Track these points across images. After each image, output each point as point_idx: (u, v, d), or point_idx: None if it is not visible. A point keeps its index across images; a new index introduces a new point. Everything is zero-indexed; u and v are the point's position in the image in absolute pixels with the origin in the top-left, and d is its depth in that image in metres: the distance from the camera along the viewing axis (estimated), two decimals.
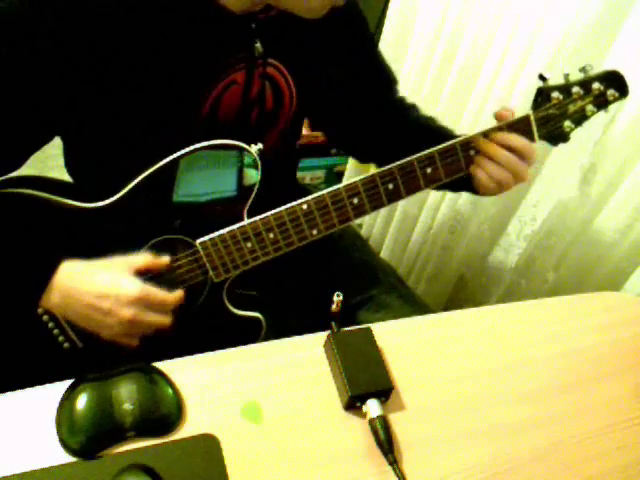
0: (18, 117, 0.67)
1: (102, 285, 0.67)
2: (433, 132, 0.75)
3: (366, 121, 0.91)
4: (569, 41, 1.04)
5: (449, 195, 1.39)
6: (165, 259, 0.74)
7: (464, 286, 1.49)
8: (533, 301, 0.85)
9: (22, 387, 0.61)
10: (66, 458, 0.56)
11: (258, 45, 0.73)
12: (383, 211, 1.69)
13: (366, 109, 0.90)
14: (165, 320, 0.71)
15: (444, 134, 0.85)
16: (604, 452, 0.68)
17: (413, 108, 0.95)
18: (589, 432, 0.70)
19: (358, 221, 1.84)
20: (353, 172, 1.79)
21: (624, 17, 0.95)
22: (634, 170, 0.96)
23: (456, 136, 0.78)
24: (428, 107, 1.44)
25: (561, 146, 1.08)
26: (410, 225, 1.58)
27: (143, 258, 0.72)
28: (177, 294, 0.72)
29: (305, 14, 0.68)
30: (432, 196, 1.46)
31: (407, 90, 1.50)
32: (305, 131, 1.71)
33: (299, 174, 1.57)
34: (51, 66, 0.65)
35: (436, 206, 1.46)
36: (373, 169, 0.79)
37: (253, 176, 0.74)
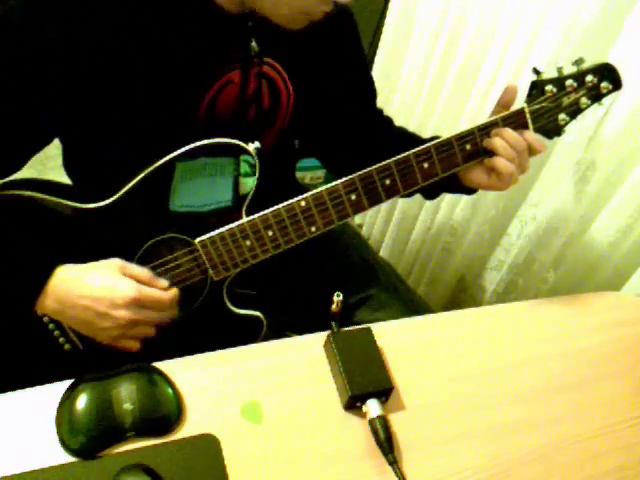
0: (18, 120, 0.67)
1: (97, 288, 0.66)
2: (409, 143, 0.76)
3: (343, 128, 0.92)
4: (569, 41, 1.04)
5: (449, 196, 1.39)
6: (163, 283, 0.73)
7: (464, 287, 1.49)
8: (533, 301, 0.85)
9: (22, 387, 0.61)
10: (66, 458, 0.56)
11: (254, 44, 0.73)
12: (383, 211, 1.69)
13: (346, 115, 0.91)
14: (163, 318, 0.71)
15: (420, 141, 0.86)
16: (604, 452, 0.68)
17: (388, 122, 0.97)
18: (589, 432, 0.70)
19: (358, 221, 1.84)
20: None
21: (625, 16, 0.95)
22: (634, 170, 0.96)
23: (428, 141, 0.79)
24: (428, 107, 1.44)
25: (563, 145, 1.09)
26: (410, 225, 1.58)
27: (140, 271, 0.71)
28: (172, 292, 0.72)
29: (281, 22, 0.68)
30: None
31: (407, 90, 1.51)
32: None
33: (299, 174, 1.57)
34: (49, 69, 0.64)
35: (436, 206, 1.46)
36: None
37: (249, 184, 0.74)
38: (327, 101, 0.87)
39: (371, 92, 0.95)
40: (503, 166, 0.75)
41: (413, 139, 0.87)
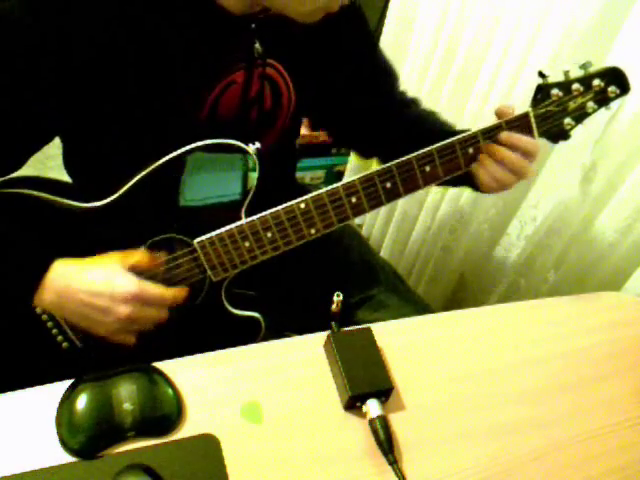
0: (19, 118, 0.67)
1: (97, 283, 0.66)
2: (434, 127, 0.75)
3: (367, 119, 0.91)
4: (569, 41, 1.03)
5: (449, 195, 1.39)
6: (161, 256, 0.73)
7: (464, 286, 1.49)
8: (533, 301, 0.85)
9: (22, 387, 0.61)
10: (66, 458, 0.57)
11: (257, 46, 0.73)
12: (383, 211, 1.69)
13: (367, 107, 0.90)
14: (162, 315, 0.71)
15: (445, 129, 0.85)
16: (604, 452, 0.68)
17: (414, 103, 0.95)
18: (589, 432, 0.70)
19: (358, 221, 1.84)
20: (353, 172, 1.79)
21: (625, 16, 0.95)
22: (635, 170, 0.96)
23: (457, 131, 0.77)
24: (428, 107, 1.44)
25: (562, 146, 1.09)
26: (410, 225, 1.58)
27: (138, 255, 0.71)
28: (176, 290, 0.72)
29: (299, 18, 0.68)
30: (432, 196, 1.46)
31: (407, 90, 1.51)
32: (305, 131, 1.71)
33: (299, 174, 1.57)
34: (51, 68, 0.64)
35: (436, 206, 1.46)
36: (375, 165, 0.79)
37: (253, 178, 0.74)
38: (334, 98, 0.87)
39: (387, 77, 0.92)
40: (486, 179, 0.76)
41: (435, 124, 0.86)
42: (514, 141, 0.74)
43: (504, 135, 0.75)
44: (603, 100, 0.76)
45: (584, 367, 0.77)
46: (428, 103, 1.41)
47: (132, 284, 0.67)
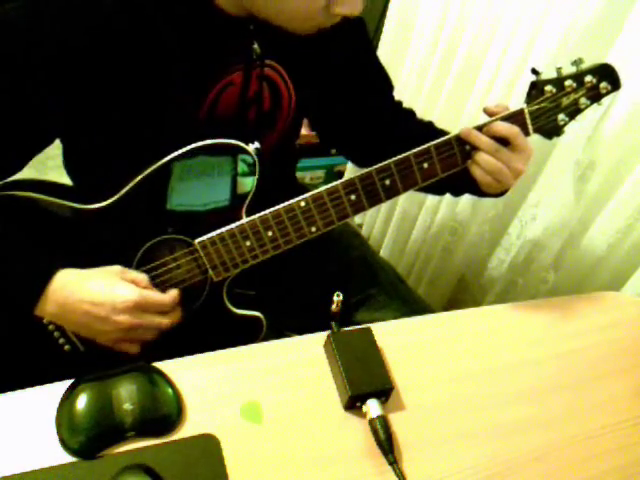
0: (19, 122, 0.67)
1: (97, 292, 0.66)
2: (430, 137, 0.76)
3: (363, 123, 0.91)
4: (569, 41, 1.04)
5: (449, 196, 1.39)
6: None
7: (464, 287, 1.49)
8: (533, 301, 0.85)
9: (22, 387, 0.61)
10: (66, 458, 0.56)
11: (256, 47, 0.73)
12: (383, 211, 1.69)
13: (363, 110, 0.90)
14: (164, 321, 0.71)
15: (440, 136, 0.85)
16: (604, 452, 0.68)
17: (410, 114, 0.96)
18: (589, 432, 0.70)
19: (358, 221, 1.84)
20: (353, 172, 1.79)
21: (625, 16, 0.95)
22: (634, 170, 0.96)
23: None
24: (428, 107, 1.44)
25: (562, 145, 1.09)
26: (410, 225, 1.58)
27: (137, 273, 0.72)
28: (172, 293, 0.72)
29: (296, 32, 0.68)
30: (431, 196, 1.46)
31: (407, 90, 1.51)
32: (305, 131, 1.71)
33: (299, 174, 1.57)
34: (52, 69, 0.64)
35: (435, 206, 1.46)
36: None
37: (248, 184, 0.74)
38: (333, 100, 0.87)
39: (383, 84, 0.94)
40: (478, 173, 0.75)
41: (432, 132, 0.86)
42: (492, 130, 0.75)
43: (486, 127, 0.75)
44: (595, 96, 0.77)
45: (584, 367, 0.77)
46: (428, 103, 1.43)
47: (133, 293, 0.67)
